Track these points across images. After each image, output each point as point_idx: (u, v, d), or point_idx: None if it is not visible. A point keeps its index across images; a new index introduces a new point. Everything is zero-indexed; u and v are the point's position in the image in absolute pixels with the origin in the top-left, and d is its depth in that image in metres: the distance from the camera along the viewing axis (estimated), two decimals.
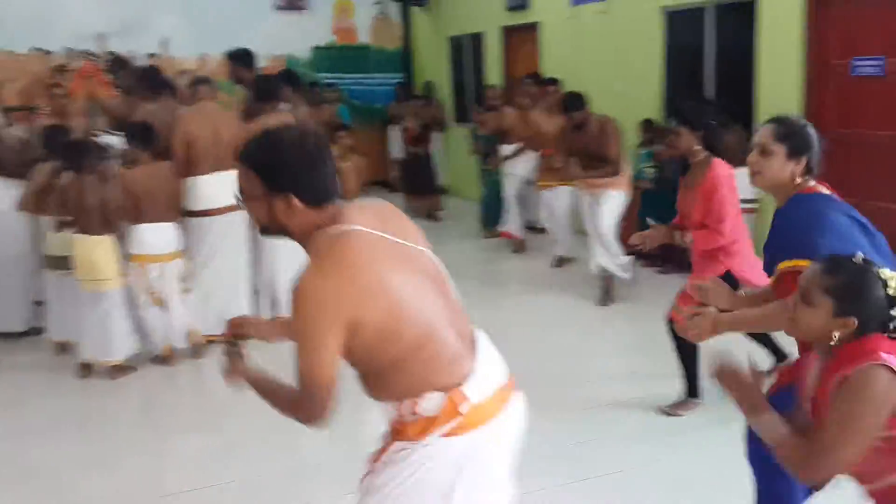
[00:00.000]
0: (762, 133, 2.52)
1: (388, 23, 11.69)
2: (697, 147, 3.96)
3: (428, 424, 1.91)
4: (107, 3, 9.94)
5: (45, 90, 7.87)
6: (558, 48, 8.30)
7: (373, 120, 10.96)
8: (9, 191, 5.34)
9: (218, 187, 5.08)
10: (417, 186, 9.36)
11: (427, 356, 1.90)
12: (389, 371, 1.91)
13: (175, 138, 5.05)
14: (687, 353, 3.96)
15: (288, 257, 5.50)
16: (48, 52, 9.76)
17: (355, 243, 1.86)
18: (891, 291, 1.85)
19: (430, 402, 1.91)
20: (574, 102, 5.94)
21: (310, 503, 3.44)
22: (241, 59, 5.81)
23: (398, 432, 1.96)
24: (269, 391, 2.01)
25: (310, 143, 1.94)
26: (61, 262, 4.89)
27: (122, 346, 4.85)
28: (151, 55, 9.83)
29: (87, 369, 4.88)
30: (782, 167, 2.46)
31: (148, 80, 5.82)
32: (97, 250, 4.66)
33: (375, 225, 1.94)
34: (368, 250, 1.87)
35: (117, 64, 7.82)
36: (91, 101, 7.56)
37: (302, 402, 1.87)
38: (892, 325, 1.85)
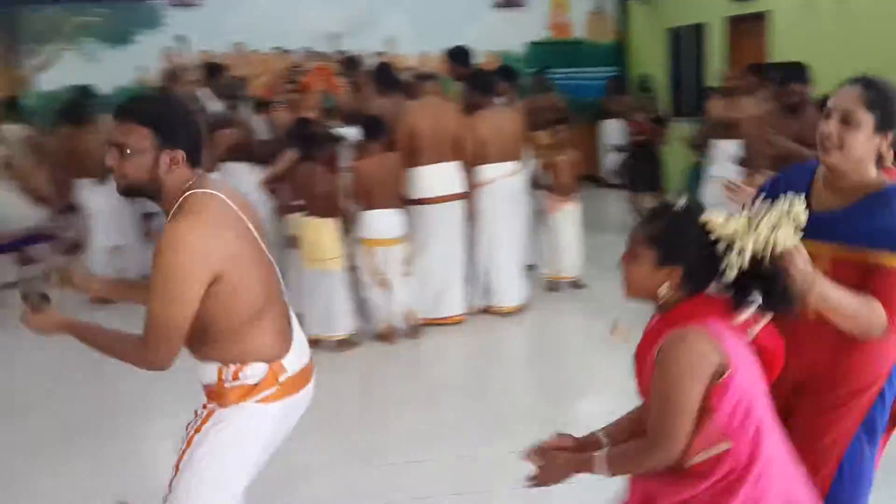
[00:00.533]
0: (846, 97, 1.99)
1: (603, 17, 11.58)
2: None
3: (248, 391, 2.12)
4: (340, 4, 10.67)
5: (282, 86, 8.56)
6: (790, 41, 7.79)
7: (584, 114, 10.91)
8: (252, 175, 5.91)
9: (437, 177, 5.37)
10: (641, 184, 9.03)
11: (262, 325, 2.13)
12: (227, 333, 2.08)
13: (400, 130, 5.35)
14: None
15: (506, 248, 5.67)
16: (287, 51, 10.65)
17: (221, 206, 2.05)
18: (712, 236, 1.67)
19: (253, 371, 2.11)
20: (795, 73, 4.88)
21: (519, 485, 3.47)
22: (458, 57, 6.11)
23: (217, 396, 2.13)
24: (100, 336, 2.13)
25: (193, 107, 2.13)
26: (297, 242, 5.31)
27: (344, 323, 5.21)
28: (379, 53, 10.41)
29: (313, 343, 5.27)
30: (868, 141, 1.97)
31: (382, 77, 6.22)
32: (322, 232, 5.04)
33: (230, 198, 2.10)
34: (229, 215, 2.06)
35: (350, 62, 8.36)
36: (325, 95, 8.16)
37: (149, 347, 2.01)
38: (722, 276, 1.68)
